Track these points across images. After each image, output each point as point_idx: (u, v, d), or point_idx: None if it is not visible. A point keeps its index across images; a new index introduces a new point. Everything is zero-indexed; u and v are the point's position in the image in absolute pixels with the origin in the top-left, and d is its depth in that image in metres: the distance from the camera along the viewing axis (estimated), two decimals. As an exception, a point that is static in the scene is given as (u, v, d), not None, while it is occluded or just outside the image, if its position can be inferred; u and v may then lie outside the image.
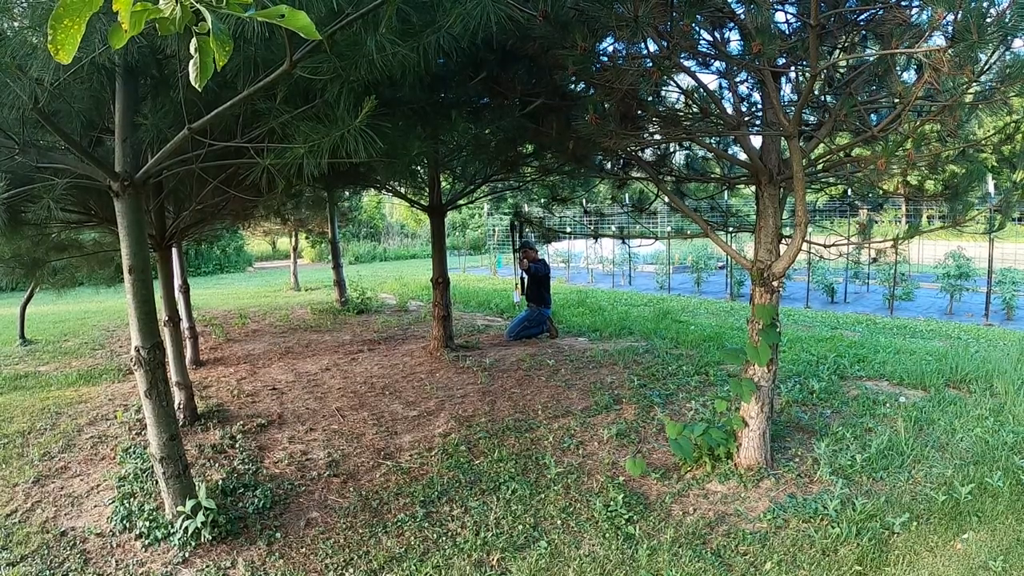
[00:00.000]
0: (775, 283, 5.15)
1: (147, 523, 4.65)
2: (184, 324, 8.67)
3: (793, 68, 5.16)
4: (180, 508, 4.48)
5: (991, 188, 11.05)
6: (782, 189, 5.24)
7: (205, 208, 7.13)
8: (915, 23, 4.18)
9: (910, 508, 4.57)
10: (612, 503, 4.82)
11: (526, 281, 10.95)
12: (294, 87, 3.91)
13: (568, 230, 10.07)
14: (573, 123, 5.44)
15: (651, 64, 4.46)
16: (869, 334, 10.94)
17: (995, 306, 13.21)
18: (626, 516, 4.65)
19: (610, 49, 5.36)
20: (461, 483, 5.33)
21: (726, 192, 9.88)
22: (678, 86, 5.44)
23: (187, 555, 4.34)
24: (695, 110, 5.49)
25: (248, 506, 4.97)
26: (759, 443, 5.30)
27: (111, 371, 9.22)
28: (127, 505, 4.97)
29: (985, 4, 3.19)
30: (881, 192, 6.54)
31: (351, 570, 4.19)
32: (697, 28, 4.81)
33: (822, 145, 5.30)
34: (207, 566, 4.22)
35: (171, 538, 4.48)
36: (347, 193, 16.41)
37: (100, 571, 4.23)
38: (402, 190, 10.14)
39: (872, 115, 5.45)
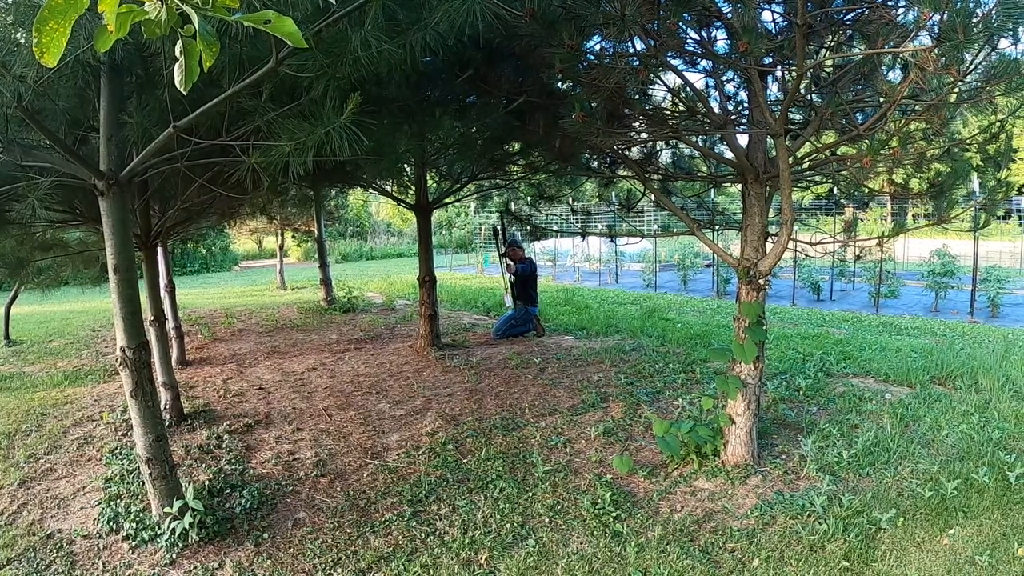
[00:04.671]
0: (761, 281, 5.16)
1: (134, 524, 4.63)
2: (170, 324, 8.63)
3: (780, 67, 5.17)
4: (167, 509, 4.46)
5: (976, 186, 11.11)
6: (768, 187, 5.26)
7: (191, 207, 7.10)
8: (901, 23, 4.20)
9: (897, 504, 4.60)
10: (600, 501, 4.82)
11: (513, 282, 10.94)
12: (280, 85, 3.90)
13: (555, 228, 10.06)
14: (560, 121, 5.45)
15: (638, 62, 4.47)
16: (855, 331, 11.01)
17: (980, 303, 13.31)
18: (614, 514, 4.66)
19: (597, 47, 5.36)
20: (449, 482, 5.33)
21: (712, 190, 9.90)
22: (665, 85, 5.45)
23: (174, 556, 4.31)
24: (682, 108, 5.50)
25: (235, 506, 4.95)
26: (746, 440, 5.32)
27: (97, 371, 9.16)
28: (114, 507, 4.93)
29: (971, 4, 3.20)
30: (867, 190, 6.57)
31: (339, 570, 4.18)
32: (684, 27, 4.81)
33: (808, 143, 5.32)
34: (195, 567, 4.20)
35: (158, 539, 4.46)
36: (333, 192, 16.37)
37: (87, 573, 4.20)
38: (388, 188, 10.12)
39: (858, 114, 5.47)
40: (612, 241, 13.50)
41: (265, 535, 4.60)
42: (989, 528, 4.26)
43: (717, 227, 7.61)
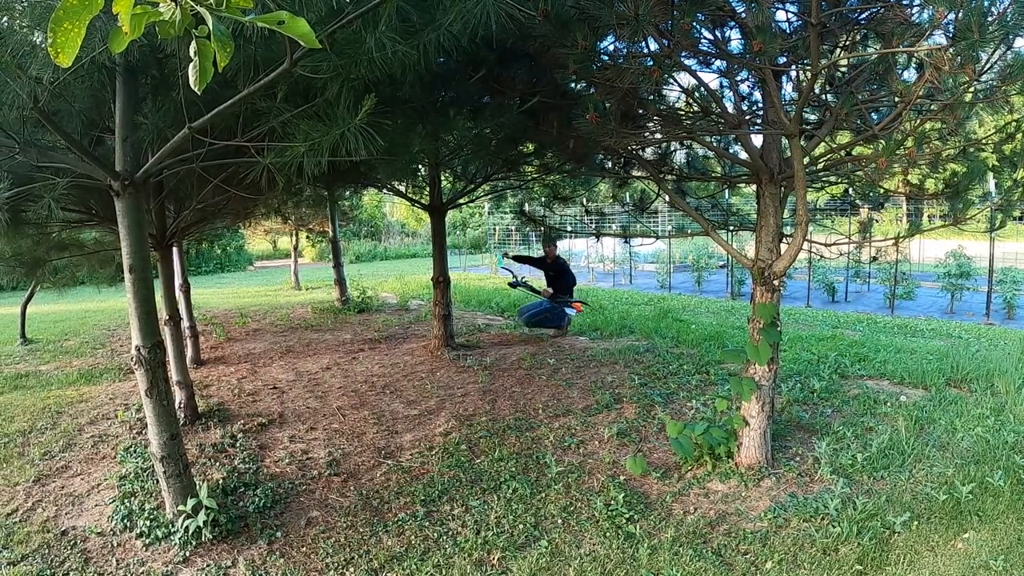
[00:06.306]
0: (776, 282, 5.14)
1: (148, 522, 4.66)
2: (185, 323, 8.67)
3: (794, 67, 5.15)
4: (181, 507, 4.48)
5: (992, 187, 11.04)
6: (783, 188, 5.24)
7: (206, 207, 7.12)
8: (916, 22, 4.18)
9: (911, 507, 4.57)
10: (613, 502, 4.82)
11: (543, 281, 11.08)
12: (294, 86, 3.91)
13: (569, 229, 10.07)
14: (574, 122, 5.44)
15: (652, 63, 4.46)
16: (870, 333, 10.94)
17: (996, 305, 13.20)
18: (627, 515, 4.65)
19: (611, 48, 5.36)
20: (462, 482, 5.33)
21: (727, 191, 9.87)
22: (679, 85, 5.44)
23: (188, 554, 4.34)
24: (696, 109, 5.49)
25: (249, 505, 4.98)
26: (760, 442, 5.30)
27: (112, 370, 9.22)
28: (128, 504, 4.97)
29: (986, 3, 3.18)
30: (882, 191, 6.53)
31: (352, 569, 4.19)
32: (698, 27, 4.80)
33: (823, 144, 5.30)
34: (208, 565, 4.22)
35: (172, 537, 4.48)
36: (348, 192, 16.41)
37: (101, 570, 4.23)
38: (403, 189, 10.14)
39: (873, 114, 5.45)
40: (626, 242, 13.50)
41: (278, 534, 4.62)
42: (1004, 532, 4.23)
43: (731, 228, 7.57)
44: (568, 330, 11.02)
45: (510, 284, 11.66)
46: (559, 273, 10.93)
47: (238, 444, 6.21)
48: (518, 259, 11.57)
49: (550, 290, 10.83)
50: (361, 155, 3.72)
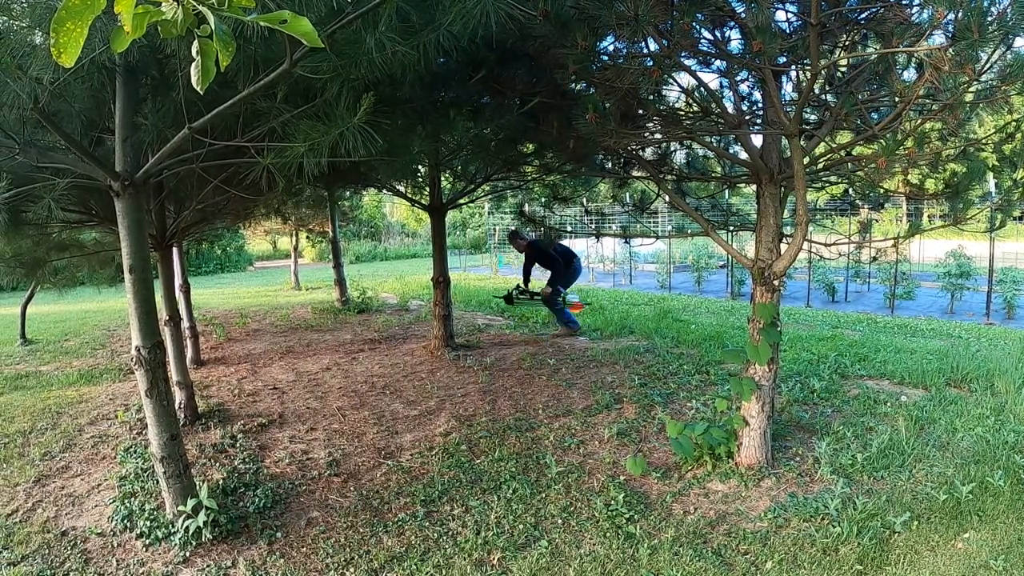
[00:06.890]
0: (776, 282, 5.14)
1: (148, 523, 4.65)
2: (185, 323, 8.66)
3: (794, 67, 5.15)
4: (181, 507, 4.48)
5: (992, 187, 11.05)
6: (783, 188, 5.24)
7: (206, 208, 7.12)
8: (916, 22, 4.18)
9: (911, 507, 4.57)
10: (613, 502, 4.82)
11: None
12: (294, 86, 3.91)
13: (569, 229, 10.07)
14: (573, 122, 5.44)
15: (652, 63, 4.46)
16: (870, 333, 10.94)
17: (996, 305, 13.20)
18: (627, 515, 4.65)
19: (611, 48, 5.36)
20: (462, 482, 5.33)
21: (727, 191, 9.87)
22: (679, 85, 5.44)
23: (188, 554, 4.34)
24: (696, 109, 5.49)
25: (249, 505, 4.97)
26: (760, 442, 5.30)
27: (112, 371, 9.22)
28: (128, 505, 4.96)
29: (986, 3, 3.19)
30: (882, 191, 6.54)
31: (352, 569, 4.19)
32: (697, 27, 4.80)
33: (823, 144, 5.30)
34: (208, 565, 4.22)
35: (172, 537, 4.48)
36: (348, 192, 16.39)
37: (101, 571, 4.23)
38: (403, 189, 10.14)
39: (873, 114, 5.45)
40: (626, 242, 13.49)
41: (278, 534, 4.62)
42: (1004, 532, 4.23)
43: (731, 228, 7.57)
44: (576, 332, 11.03)
45: (504, 299, 11.76)
46: (542, 258, 10.96)
47: (238, 444, 6.21)
48: (523, 285, 11.53)
49: (549, 289, 10.83)
50: (361, 155, 3.72)
